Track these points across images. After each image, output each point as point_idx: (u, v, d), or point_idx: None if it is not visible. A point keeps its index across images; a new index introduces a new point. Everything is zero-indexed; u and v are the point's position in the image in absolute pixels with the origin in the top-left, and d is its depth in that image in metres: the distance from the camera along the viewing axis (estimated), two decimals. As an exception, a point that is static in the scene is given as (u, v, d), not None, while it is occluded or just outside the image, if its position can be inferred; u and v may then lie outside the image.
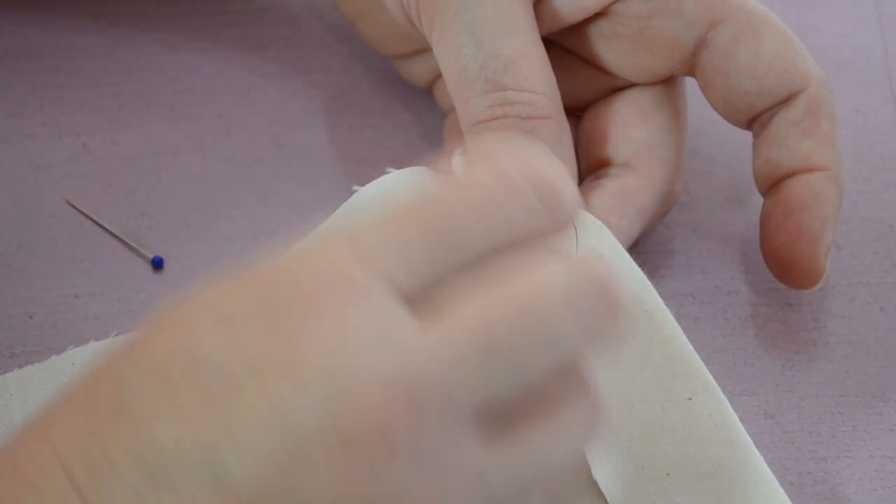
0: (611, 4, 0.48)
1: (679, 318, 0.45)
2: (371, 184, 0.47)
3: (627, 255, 0.46)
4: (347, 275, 0.32)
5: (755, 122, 0.49)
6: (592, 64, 0.50)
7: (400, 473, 0.31)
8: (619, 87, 0.50)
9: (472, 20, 0.45)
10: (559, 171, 0.35)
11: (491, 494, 0.33)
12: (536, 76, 0.46)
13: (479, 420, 0.33)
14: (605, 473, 0.43)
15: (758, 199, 0.54)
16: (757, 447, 0.44)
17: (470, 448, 0.32)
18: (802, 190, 0.48)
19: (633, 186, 0.49)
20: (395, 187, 0.46)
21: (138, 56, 0.58)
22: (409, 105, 0.57)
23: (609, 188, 0.48)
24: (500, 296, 0.33)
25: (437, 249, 0.33)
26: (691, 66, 0.49)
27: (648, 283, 0.45)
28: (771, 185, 0.49)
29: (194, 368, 0.32)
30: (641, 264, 0.51)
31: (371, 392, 0.31)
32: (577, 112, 0.52)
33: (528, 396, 0.34)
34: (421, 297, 0.33)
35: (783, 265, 0.48)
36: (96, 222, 0.53)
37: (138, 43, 0.59)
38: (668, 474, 0.43)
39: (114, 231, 0.52)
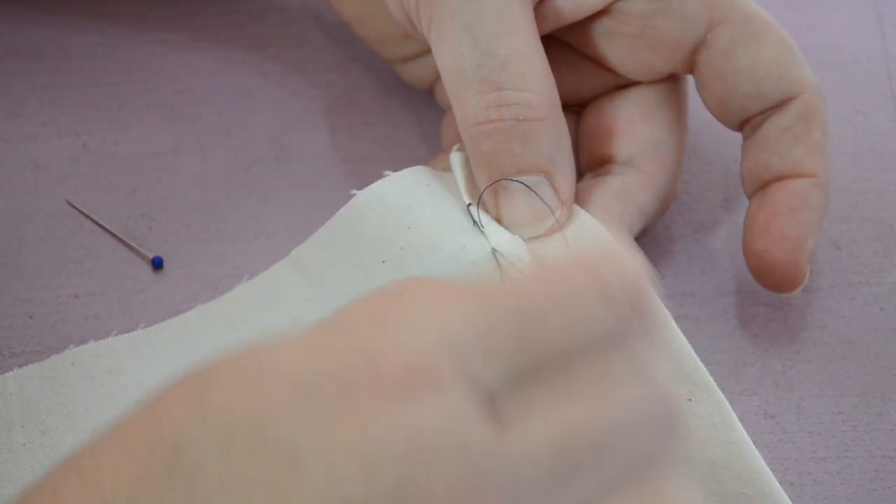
0: (614, 3, 0.48)
1: (679, 318, 0.45)
2: (368, 188, 0.47)
3: None
4: (432, 367, 0.31)
5: (747, 124, 0.49)
6: (594, 61, 0.50)
7: None
8: (621, 85, 0.50)
9: (470, 19, 0.45)
10: (645, 276, 0.33)
11: None
12: (534, 75, 0.45)
13: None
14: None
15: (758, 199, 0.54)
16: (757, 447, 0.44)
17: None
18: (789, 194, 0.48)
19: (635, 185, 0.49)
20: (393, 193, 0.46)
21: (138, 56, 0.58)
22: (409, 105, 0.57)
23: (611, 186, 0.48)
24: (582, 411, 0.32)
25: (525, 348, 0.32)
26: (690, 65, 0.49)
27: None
28: (758, 187, 0.49)
29: (262, 440, 0.30)
30: (641, 264, 0.51)
31: (437, 495, 0.30)
32: (577, 107, 0.52)
33: None
34: (501, 394, 0.32)
35: (764, 268, 0.48)
36: (96, 222, 0.53)
37: (138, 43, 0.59)
38: None
39: (114, 231, 0.52)
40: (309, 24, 0.60)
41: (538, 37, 0.46)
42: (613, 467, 0.32)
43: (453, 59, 0.46)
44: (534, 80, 0.45)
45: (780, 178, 0.48)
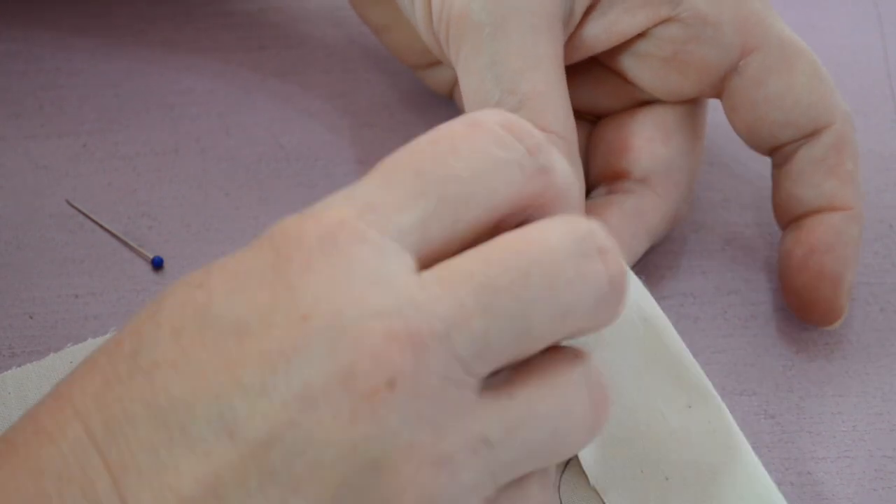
0: (649, 28, 0.48)
1: (679, 318, 0.45)
2: None
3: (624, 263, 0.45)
4: (349, 225, 0.34)
5: (777, 151, 0.49)
6: (619, 76, 0.50)
7: (399, 414, 0.32)
8: (640, 100, 0.50)
9: (496, 54, 0.45)
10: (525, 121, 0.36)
11: (493, 456, 0.33)
12: (550, 115, 0.45)
13: (480, 378, 0.33)
14: (601, 475, 0.43)
15: (757, 200, 0.54)
16: (757, 447, 0.44)
17: (470, 399, 0.33)
18: (825, 230, 0.48)
19: (647, 206, 0.48)
20: None
21: (138, 56, 0.58)
22: (409, 105, 0.57)
23: (624, 206, 0.48)
24: (503, 247, 0.34)
25: (435, 201, 0.34)
26: (719, 90, 0.48)
27: (646, 290, 0.45)
28: (791, 220, 0.49)
29: (206, 322, 0.33)
30: (642, 265, 0.51)
31: (371, 331, 0.32)
32: (592, 117, 0.51)
33: (529, 364, 0.34)
34: (428, 253, 0.34)
35: (804, 304, 0.48)
36: (96, 222, 0.53)
37: (138, 43, 0.59)
38: (667, 479, 0.43)
39: (114, 231, 0.52)
40: (309, 24, 0.60)
41: (562, 73, 0.46)
42: (539, 307, 0.34)
43: (475, 93, 0.46)
44: (550, 120, 0.45)
45: (814, 212, 0.48)
